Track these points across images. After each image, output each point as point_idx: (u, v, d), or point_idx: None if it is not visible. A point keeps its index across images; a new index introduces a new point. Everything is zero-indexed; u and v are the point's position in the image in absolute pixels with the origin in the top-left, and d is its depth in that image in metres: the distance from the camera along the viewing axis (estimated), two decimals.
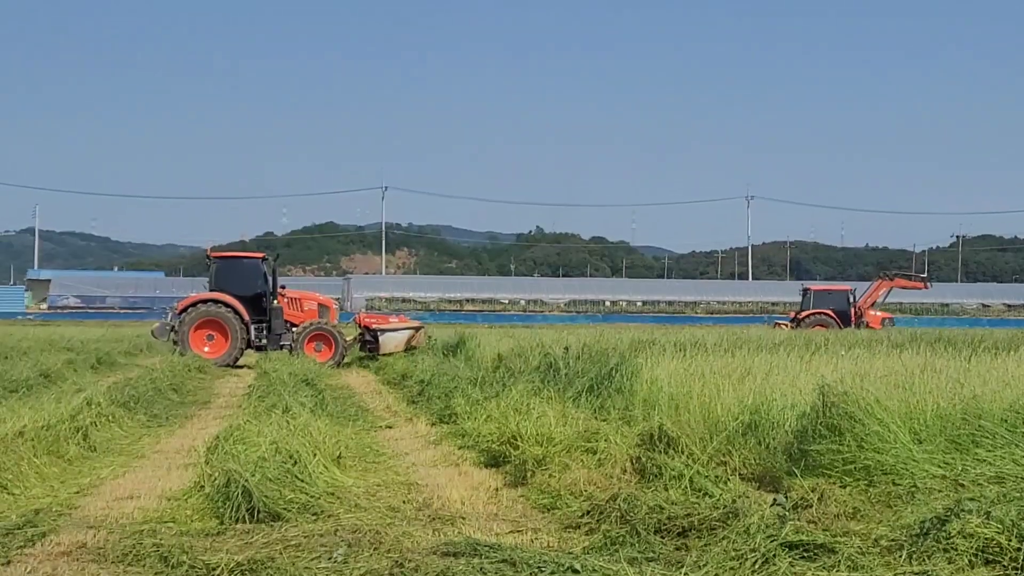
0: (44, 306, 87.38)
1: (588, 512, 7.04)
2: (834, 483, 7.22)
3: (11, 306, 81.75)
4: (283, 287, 26.63)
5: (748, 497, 6.86)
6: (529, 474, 8.53)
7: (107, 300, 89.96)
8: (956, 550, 5.36)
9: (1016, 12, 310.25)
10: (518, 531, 6.93)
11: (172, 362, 20.13)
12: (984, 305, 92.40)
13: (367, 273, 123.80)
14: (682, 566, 5.42)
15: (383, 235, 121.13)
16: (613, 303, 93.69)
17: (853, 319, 40.59)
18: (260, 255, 27.15)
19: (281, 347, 24.95)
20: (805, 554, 5.37)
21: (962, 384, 9.44)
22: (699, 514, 6.44)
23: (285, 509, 7.06)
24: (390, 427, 12.79)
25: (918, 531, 5.65)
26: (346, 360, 25.77)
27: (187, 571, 5.77)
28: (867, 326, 38.61)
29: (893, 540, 5.68)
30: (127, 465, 9.83)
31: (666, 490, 7.29)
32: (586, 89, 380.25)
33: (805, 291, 43.52)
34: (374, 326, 25.82)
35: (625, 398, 11.01)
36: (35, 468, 8.80)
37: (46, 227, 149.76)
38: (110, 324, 54.36)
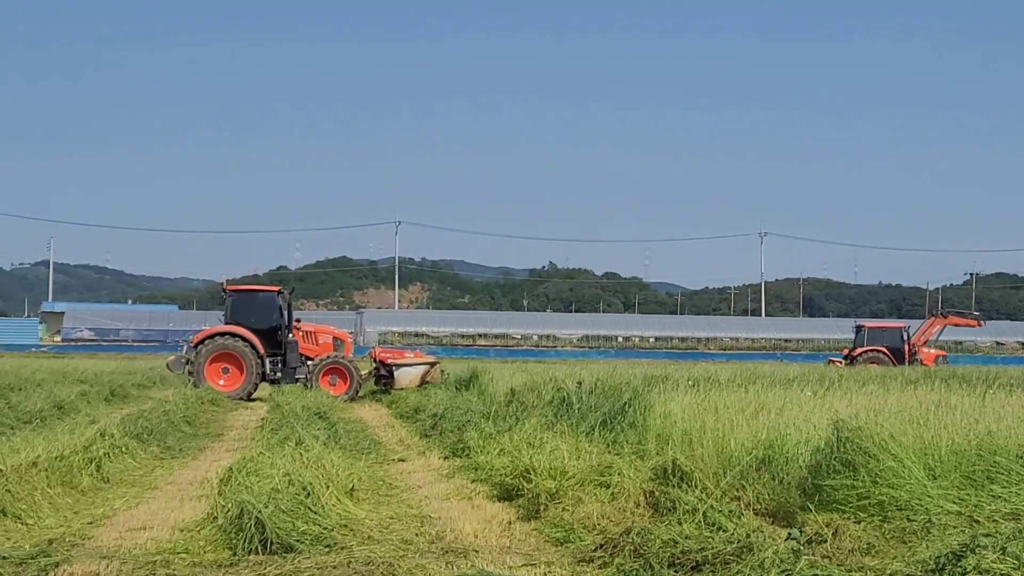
0: (58, 338, 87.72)
1: (601, 546, 7.02)
2: (848, 518, 7.20)
3: (25, 338, 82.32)
4: (298, 320, 26.67)
5: (762, 532, 6.82)
6: (542, 507, 8.52)
7: (120, 333, 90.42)
8: None
9: None
10: (531, 564, 6.92)
11: (185, 394, 20.18)
12: (998, 343, 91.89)
13: (380, 307, 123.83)
14: None
15: (396, 269, 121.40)
16: (626, 339, 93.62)
17: (907, 356, 40.39)
18: (276, 288, 27.09)
19: (296, 380, 24.98)
20: None
21: (977, 420, 9.40)
22: (713, 548, 6.41)
23: (298, 541, 7.05)
24: (403, 460, 12.79)
25: (933, 567, 5.63)
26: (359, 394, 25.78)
27: None
28: (921, 363, 38.31)
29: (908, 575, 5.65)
30: (140, 496, 9.86)
31: (680, 524, 7.27)
32: (599, 125, 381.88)
33: (859, 328, 43.24)
34: (389, 361, 25.84)
35: (638, 432, 10.99)
36: (49, 498, 8.84)
37: (60, 260, 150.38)
38: (123, 357, 54.38)
